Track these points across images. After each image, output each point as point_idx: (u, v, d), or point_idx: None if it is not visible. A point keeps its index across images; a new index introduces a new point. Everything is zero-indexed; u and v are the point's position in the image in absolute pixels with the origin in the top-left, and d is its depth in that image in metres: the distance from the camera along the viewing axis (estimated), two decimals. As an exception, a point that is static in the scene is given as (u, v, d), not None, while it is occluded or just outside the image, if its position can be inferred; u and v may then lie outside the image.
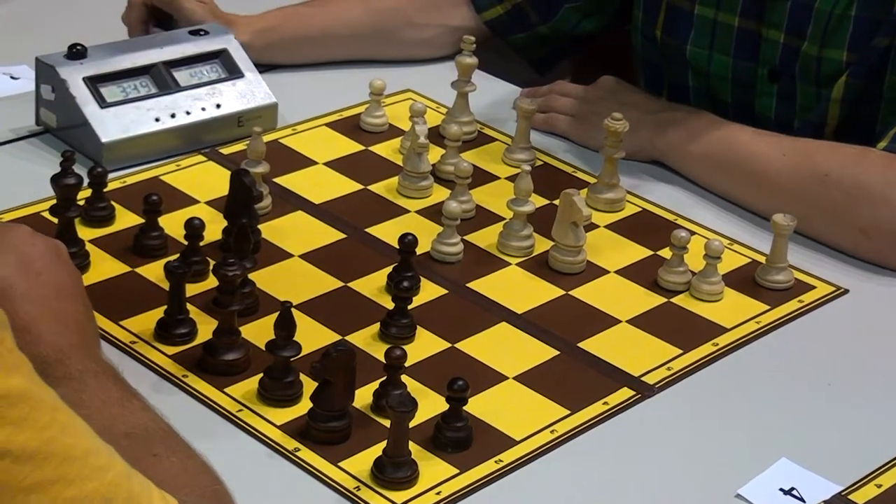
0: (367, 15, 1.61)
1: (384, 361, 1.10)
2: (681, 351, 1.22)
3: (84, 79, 1.43)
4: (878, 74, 1.42)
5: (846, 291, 1.33)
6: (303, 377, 1.13)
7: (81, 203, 1.30)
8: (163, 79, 1.46)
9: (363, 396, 1.11)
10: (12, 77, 1.56)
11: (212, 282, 1.19)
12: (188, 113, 1.46)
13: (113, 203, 1.34)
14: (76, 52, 1.43)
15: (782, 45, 1.46)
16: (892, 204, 1.31)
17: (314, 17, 1.61)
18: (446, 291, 1.27)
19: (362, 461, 1.06)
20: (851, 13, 1.41)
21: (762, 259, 1.34)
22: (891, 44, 1.40)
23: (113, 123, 1.42)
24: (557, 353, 1.20)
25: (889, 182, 1.31)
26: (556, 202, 1.33)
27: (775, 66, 1.48)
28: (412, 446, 1.05)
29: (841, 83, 1.44)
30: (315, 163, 1.48)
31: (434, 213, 1.37)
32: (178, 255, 1.24)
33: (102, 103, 1.43)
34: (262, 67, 1.56)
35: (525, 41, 1.63)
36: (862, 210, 1.32)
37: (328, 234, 1.35)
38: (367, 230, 1.36)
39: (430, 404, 1.10)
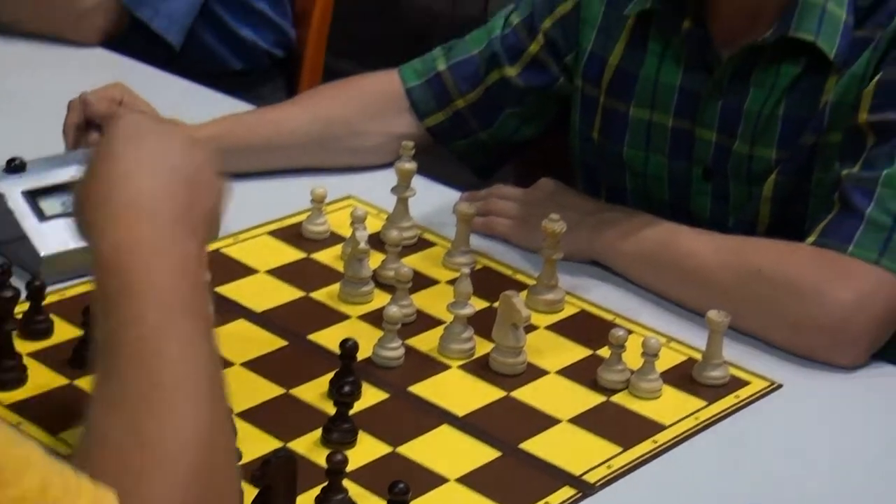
0: (313, 124, 1.65)
1: (326, 466, 1.11)
2: (621, 449, 1.23)
3: (23, 192, 1.44)
4: (806, 172, 1.46)
5: (780, 386, 1.34)
6: (244, 485, 1.13)
7: (19, 316, 1.31)
8: (102, 191, 1.49)
9: (304, 502, 1.11)
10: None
11: (152, 391, 1.20)
12: (128, 224, 1.47)
13: (52, 316, 1.35)
14: (15, 167, 1.45)
15: (714, 145, 1.51)
16: (821, 299, 1.33)
17: (259, 126, 1.65)
18: (388, 395, 1.29)
19: (304, 568, 1.06)
20: (779, 112, 1.46)
21: (699, 356, 1.35)
22: (817, 141, 1.45)
23: (52, 237, 1.43)
24: (499, 454, 1.21)
25: (818, 277, 1.35)
26: (496, 304, 1.36)
27: (708, 166, 1.53)
28: (353, 551, 1.05)
29: (771, 181, 1.48)
30: (256, 271, 1.49)
31: (376, 318, 1.38)
32: (117, 366, 1.25)
33: (41, 217, 1.44)
34: None
35: (466, 147, 1.68)
36: (792, 305, 1.35)
37: (270, 342, 1.35)
38: (308, 337, 1.37)
39: (372, 509, 1.11)
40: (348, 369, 1.27)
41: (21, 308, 1.31)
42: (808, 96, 1.44)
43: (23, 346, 1.31)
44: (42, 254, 1.43)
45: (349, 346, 1.27)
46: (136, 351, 0.87)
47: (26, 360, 1.28)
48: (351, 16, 2.37)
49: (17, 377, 1.25)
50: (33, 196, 1.45)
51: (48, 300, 1.36)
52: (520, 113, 1.64)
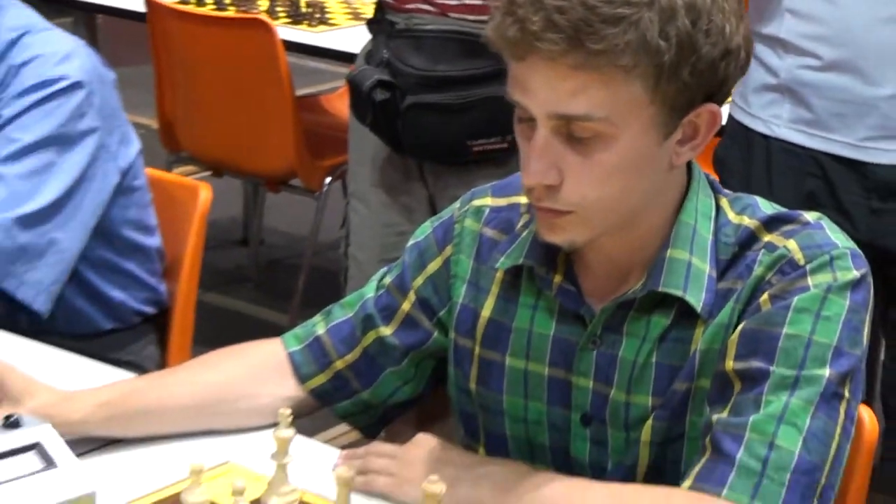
0: (204, 388, 1.77)
1: None
2: None
3: None
4: (681, 416, 1.58)
5: None
6: None
7: None
8: (-25, 479, 1.54)
9: None
10: None
11: None
12: (4, 511, 1.55)
13: None
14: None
15: (592, 392, 1.62)
16: None
17: (151, 392, 1.77)
18: None
19: None
20: (652, 361, 1.58)
21: None
22: (689, 387, 1.57)
23: None
24: None
25: None
26: None
27: (587, 412, 1.63)
28: None
29: (648, 426, 1.59)
30: None
31: None
32: None
33: None
34: (80, 452, 1.67)
35: (350, 408, 1.78)
36: None
37: None
38: None
39: None
40: None
41: None
42: (678, 345, 1.57)
43: None
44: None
45: None
46: None
47: None
48: (214, 247, 2.46)
49: None
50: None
51: None
52: (399, 372, 1.76)
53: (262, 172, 4.08)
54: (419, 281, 1.74)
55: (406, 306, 1.74)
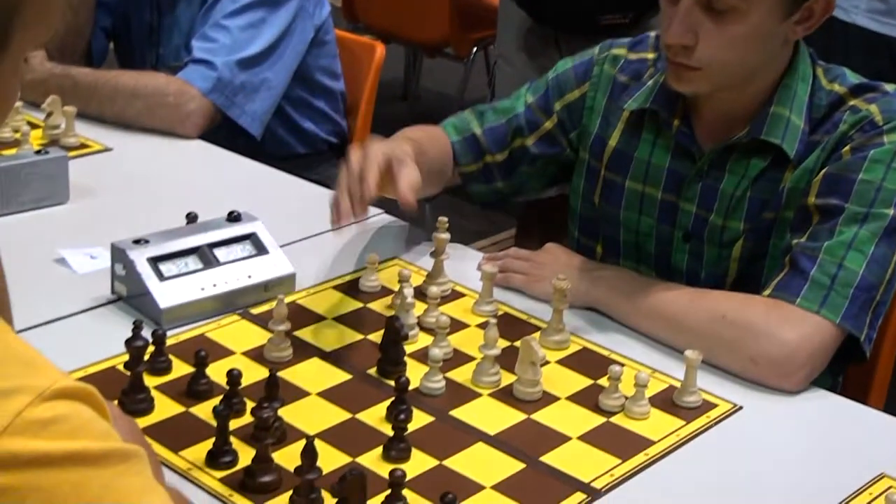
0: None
1: (388, 479, 1.18)
2: (620, 460, 1.30)
3: (147, 259, 1.54)
4: (765, 239, 1.56)
5: (741, 407, 1.42)
6: (324, 493, 1.22)
7: (147, 357, 1.41)
8: (207, 257, 1.59)
9: (372, 508, 1.21)
10: (92, 257, 1.66)
11: (249, 416, 1.30)
12: (226, 283, 1.58)
13: (171, 357, 1.45)
14: (140, 241, 1.58)
15: (694, 215, 1.60)
16: (772, 338, 1.42)
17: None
18: (434, 419, 1.36)
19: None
20: (748, 194, 1.56)
21: (678, 384, 1.42)
22: (775, 217, 1.55)
23: (169, 293, 1.54)
24: (524, 465, 1.28)
25: (770, 321, 1.43)
26: (517, 344, 1.42)
27: (688, 230, 1.61)
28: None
29: (738, 246, 1.57)
30: (325, 318, 1.57)
31: (421, 356, 1.47)
32: (222, 397, 1.32)
33: (161, 277, 1.54)
34: (282, 243, 1.69)
35: (483, 191, 1.77)
36: (750, 343, 1.43)
37: (338, 376, 1.43)
38: (368, 372, 1.45)
39: (427, 512, 1.21)
40: (402, 399, 1.36)
41: (148, 350, 1.41)
42: (770, 183, 1.54)
43: (150, 381, 1.40)
44: (162, 306, 1.54)
45: (402, 381, 1.36)
46: None
47: (153, 393, 1.38)
48: (380, 100, 2.50)
49: (147, 406, 1.36)
50: (155, 262, 1.56)
51: (168, 343, 1.47)
52: (530, 172, 1.74)
53: (422, 41, 4.07)
54: (559, 105, 1.71)
55: (548, 125, 1.72)
